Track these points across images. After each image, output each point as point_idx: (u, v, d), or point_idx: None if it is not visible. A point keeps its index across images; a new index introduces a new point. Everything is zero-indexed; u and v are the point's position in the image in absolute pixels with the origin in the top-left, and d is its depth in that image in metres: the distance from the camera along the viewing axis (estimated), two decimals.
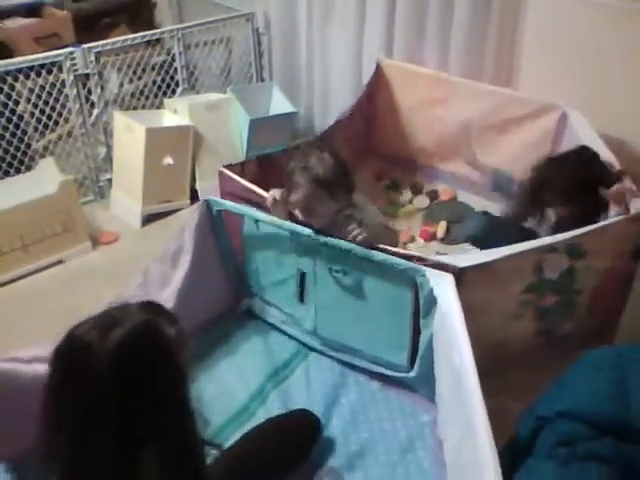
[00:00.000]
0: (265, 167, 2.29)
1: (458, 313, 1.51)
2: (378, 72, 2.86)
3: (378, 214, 2.01)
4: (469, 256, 1.76)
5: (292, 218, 1.92)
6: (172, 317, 1.14)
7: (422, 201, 2.81)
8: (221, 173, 2.17)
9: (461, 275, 1.67)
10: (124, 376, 1.03)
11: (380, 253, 1.75)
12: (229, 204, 2.02)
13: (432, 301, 1.64)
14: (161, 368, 1.08)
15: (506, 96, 2.56)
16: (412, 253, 1.82)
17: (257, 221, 1.99)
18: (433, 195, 2.83)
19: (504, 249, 1.73)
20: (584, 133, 2.23)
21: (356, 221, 1.92)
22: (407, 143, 2.92)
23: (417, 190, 2.87)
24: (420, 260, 1.73)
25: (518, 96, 2.55)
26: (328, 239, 1.80)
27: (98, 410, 1.03)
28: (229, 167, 2.18)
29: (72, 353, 1.06)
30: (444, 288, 1.61)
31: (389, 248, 1.78)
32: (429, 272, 1.66)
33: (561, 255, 1.79)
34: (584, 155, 2.05)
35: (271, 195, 1.89)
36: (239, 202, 2.06)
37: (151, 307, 1.16)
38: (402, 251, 1.80)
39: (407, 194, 2.87)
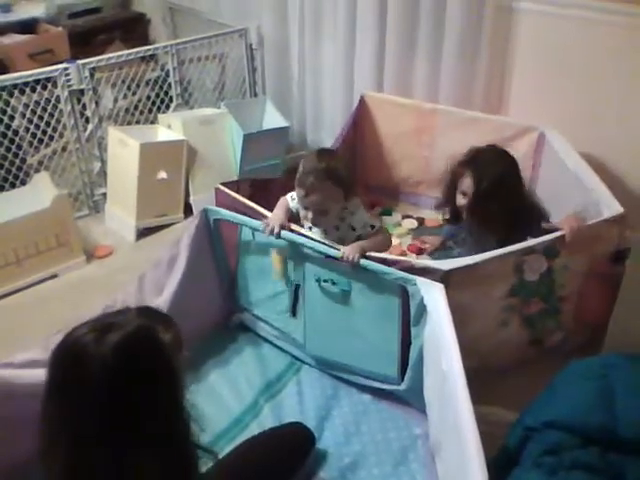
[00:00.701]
0: (258, 190, 2.31)
1: (448, 321, 1.53)
2: (362, 106, 2.89)
3: (368, 217, 2.05)
4: (454, 260, 1.81)
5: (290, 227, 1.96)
6: (169, 322, 1.17)
7: (411, 223, 2.86)
8: (217, 190, 2.20)
9: (447, 278, 1.72)
10: (118, 379, 1.05)
11: (372, 263, 1.77)
12: (226, 213, 2.04)
13: (422, 310, 1.66)
14: (156, 372, 1.10)
15: (489, 122, 2.62)
16: (399, 258, 1.87)
17: (255, 231, 2.00)
18: (420, 221, 2.88)
19: (487, 253, 1.80)
20: (564, 152, 2.30)
21: (346, 224, 1.98)
22: (393, 173, 2.96)
23: (406, 216, 2.92)
24: (406, 265, 1.78)
25: (500, 121, 2.62)
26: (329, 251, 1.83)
27: (93, 411, 1.05)
28: (225, 185, 2.21)
29: (68, 355, 1.08)
30: (434, 297, 1.63)
31: (379, 255, 1.82)
32: (420, 281, 1.68)
33: (539, 256, 1.85)
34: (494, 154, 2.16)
35: (269, 224, 1.92)
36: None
37: (148, 312, 1.19)
38: (389, 256, 1.84)
39: (397, 216, 2.92)
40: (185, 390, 1.16)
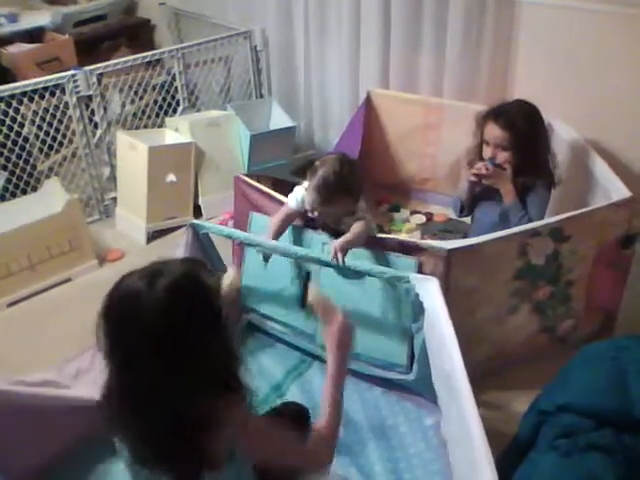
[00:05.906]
0: (279, 189, 2.30)
1: (445, 316, 1.51)
2: (368, 102, 2.90)
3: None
4: (456, 241, 1.83)
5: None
6: (210, 269, 1.27)
7: (419, 218, 2.87)
8: (237, 178, 2.24)
9: (450, 258, 1.73)
10: (170, 319, 1.13)
11: (362, 264, 1.78)
12: (213, 226, 2.07)
13: (420, 306, 1.66)
14: (204, 312, 1.18)
15: None
16: (401, 238, 1.89)
17: (243, 242, 2.02)
18: (429, 216, 2.88)
19: (490, 235, 1.81)
20: (572, 140, 2.31)
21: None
22: (400, 170, 2.97)
23: (414, 212, 2.93)
24: (408, 245, 1.80)
25: None
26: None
27: (150, 351, 1.12)
28: (246, 175, 2.26)
29: (121, 300, 1.16)
30: (430, 293, 1.61)
31: (384, 236, 1.86)
32: (413, 277, 1.67)
33: (545, 238, 1.85)
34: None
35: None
36: (252, 209, 2.14)
37: (191, 260, 1.33)
38: (390, 236, 1.85)
39: (405, 212, 2.92)
40: (234, 336, 1.26)
